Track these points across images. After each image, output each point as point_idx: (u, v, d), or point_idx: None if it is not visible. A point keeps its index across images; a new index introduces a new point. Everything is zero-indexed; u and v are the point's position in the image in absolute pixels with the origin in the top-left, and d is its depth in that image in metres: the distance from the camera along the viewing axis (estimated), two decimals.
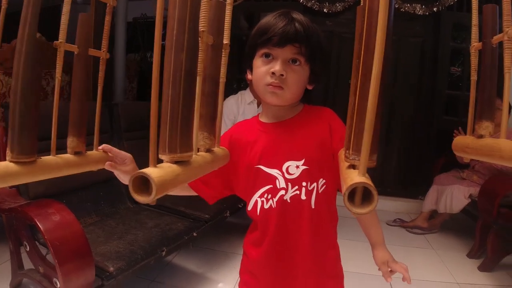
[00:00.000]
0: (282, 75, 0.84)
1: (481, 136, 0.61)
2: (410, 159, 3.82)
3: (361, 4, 0.51)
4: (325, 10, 3.56)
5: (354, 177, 0.45)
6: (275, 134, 0.93)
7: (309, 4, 3.55)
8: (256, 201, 0.93)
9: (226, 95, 2.84)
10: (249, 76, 0.93)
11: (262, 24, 0.87)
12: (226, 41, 0.60)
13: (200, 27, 0.52)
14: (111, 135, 2.47)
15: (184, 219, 2.18)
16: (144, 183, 0.39)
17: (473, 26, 0.67)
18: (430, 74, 3.66)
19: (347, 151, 0.51)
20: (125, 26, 3.39)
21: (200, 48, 0.51)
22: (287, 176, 0.90)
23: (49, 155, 0.63)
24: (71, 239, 1.47)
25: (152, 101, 0.42)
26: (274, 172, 0.91)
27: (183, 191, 0.97)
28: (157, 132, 0.44)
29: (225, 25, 0.60)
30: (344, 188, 0.44)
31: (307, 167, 0.89)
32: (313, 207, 0.90)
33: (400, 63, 3.74)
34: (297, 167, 0.89)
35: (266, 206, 0.92)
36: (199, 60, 0.50)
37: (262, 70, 0.86)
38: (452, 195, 2.94)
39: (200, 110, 0.52)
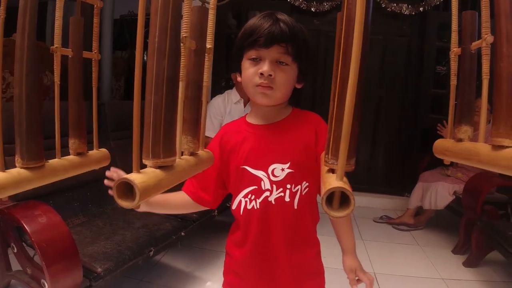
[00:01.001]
0: (270, 75, 0.84)
1: (460, 140, 0.62)
2: (397, 157, 3.87)
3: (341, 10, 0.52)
4: (312, 9, 3.57)
5: (332, 181, 0.46)
6: (262, 136, 0.94)
7: (296, 3, 3.57)
8: (240, 201, 0.94)
9: (215, 94, 2.84)
10: (238, 78, 0.94)
11: (247, 26, 0.88)
12: (209, 45, 0.60)
13: (182, 33, 0.52)
14: (98, 135, 2.45)
15: (172, 218, 2.17)
16: (128, 189, 0.39)
17: (453, 32, 0.68)
18: (416, 73, 3.71)
19: (327, 156, 0.52)
20: (112, 24, 3.35)
21: (182, 53, 0.51)
22: (272, 178, 0.91)
23: (49, 153, 0.65)
24: (58, 240, 1.47)
25: (134, 107, 0.42)
26: (259, 173, 0.92)
27: (178, 209, 1.04)
28: (140, 137, 0.44)
29: (208, 30, 0.60)
30: (322, 192, 0.45)
31: (292, 171, 0.90)
32: (295, 208, 0.91)
33: (387, 62, 3.78)
34: (283, 169, 0.90)
35: (249, 207, 0.93)
36: (181, 65, 0.51)
37: (250, 71, 0.87)
38: (437, 192, 3.00)
39: (183, 114, 0.53)
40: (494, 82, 0.54)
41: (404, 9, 3.51)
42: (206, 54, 0.59)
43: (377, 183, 3.93)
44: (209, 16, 0.63)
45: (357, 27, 0.42)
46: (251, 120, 0.98)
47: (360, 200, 3.75)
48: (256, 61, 0.86)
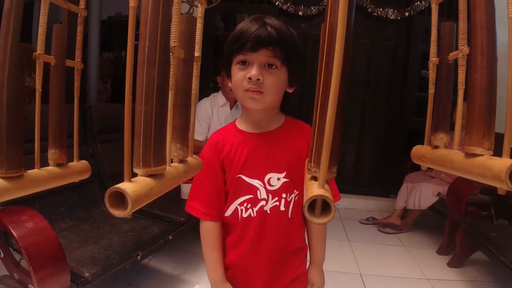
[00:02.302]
0: (258, 79, 0.83)
1: (436, 147, 0.65)
2: (382, 159, 3.92)
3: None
4: (300, 13, 3.61)
5: (314, 189, 0.48)
6: (258, 145, 0.94)
7: (284, 7, 3.60)
8: (237, 208, 0.95)
9: (202, 96, 2.85)
10: (230, 84, 0.93)
11: (236, 31, 0.87)
12: (197, 53, 0.62)
13: (171, 42, 0.54)
14: (84, 138, 2.43)
15: (160, 222, 2.17)
16: (120, 198, 0.41)
17: (431, 42, 0.71)
18: (402, 77, 3.77)
19: (309, 164, 0.54)
20: (99, 25, 3.33)
21: (171, 63, 0.53)
22: (268, 187, 0.92)
23: (29, 157, 0.64)
24: (45, 245, 1.47)
25: (125, 117, 0.44)
26: (255, 182, 0.92)
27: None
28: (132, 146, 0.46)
29: (197, 39, 0.62)
30: (305, 199, 0.47)
31: (287, 180, 0.92)
32: (289, 216, 0.94)
33: (373, 66, 3.84)
34: (278, 179, 0.92)
35: (245, 215, 0.94)
36: (170, 74, 0.52)
37: (239, 76, 0.86)
38: (421, 193, 3.05)
39: (173, 122, 0.54)
40: (468, 92, 0.57)
41: (390, 13, 3.57)
42: (194, 62, 0.61)
43: (363, 184, 3.99)
44: (197, 25, 0.65)
45: (339, 38, 0.44)
46: (242, 127, 0.97)
47: (347, 201, 3.80)
48: (245, 65, 0.85)
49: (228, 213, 0.96)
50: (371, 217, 3.47)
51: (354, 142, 3.97)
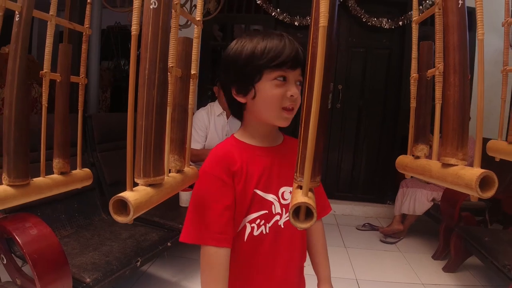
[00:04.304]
0: (292, 96, 0.84)
1: (417, 157, 0.70)
2: (378, 165, 3.97)
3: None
4: (296, 23, 3.67)
5: (299, 197, 0.53)
6: (270, 159, 0.91)
7: (280, 17, 3.67)
8: (245, 227, 0.88)
9: (200, 104, 2.90)
10: (243, 100, 0.87)
11: (268, 48, 0.83)
12: (193, 71, 0.67)
13: (169, 63, 0.59)
14: (84, 147, 2.48)
15: (159, 229, 2.21)
16: (122, 205, 0.46)
17: (412, 59, 0.76)
18: (396, 84, 3.83)
19: (296, 174, 0.58)
20: (100, 35, 3.39)
21: (169, 81, 0.58)
22: (282, 201, 0.90)
23: (35, 166, 0.69)
24: (48, 252, 1.51)
25: (128, 132, 0.48)
26: (270, 197, 0.89)
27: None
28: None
29: (193, 57, 0.67)
30: (290, 206, 0.51)
31: None
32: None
33: (368, 74, 3.91)
34: (291, 192, 0.93)
35: (256, 233, 0.88)
36: (168, 92, 0.57)
37: (277, 93, 0.83)
38: (415, 198, 3.10)
39: (171, 135, 0.59)
40: (443, 108, 0.62)
41: (385, 23, 3.64)
42: (191, 80, 0.66)
43: (359, 191, 4.03)
44: (193, 45, 0.70)
45: (319, 61, 0.49)
46: (248, 141, 0.93)
47: (343, 208, 3.84)
48: (284, 81, 0.84)
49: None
50: (367, 223, 3.51)
51: (350, 149, 4.03)
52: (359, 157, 4.03)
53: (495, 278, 2.41)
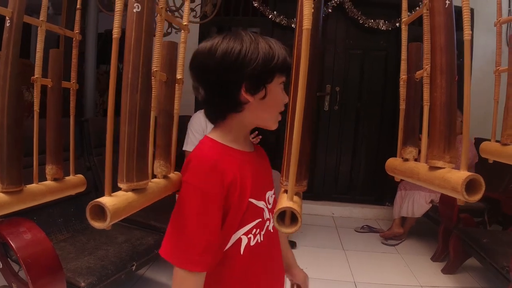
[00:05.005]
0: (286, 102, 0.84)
1: (406, 160, 0.69)
2: (377, 167, 3.96)
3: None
4: (293, 25, 3.67)
5: (283, 201, 0.52)
6: (254, 164, 0.89)
7: (277, 20, 3.67)
8: (240, 240, 0.83)
9: (199, 107, 2.89)
10: (250, 98, 0.80)
11: (278, 53, 0.81)
12: (179, 76, 0.66)
13: (153, 67, 0.59)
14: (80, 152, 2.47)
15: (155, 233, 2.20)
16: (101, 210, 0.45)
17: (402, 61, 0.76)
18: (394, 85, 3.82)
19: (282, 178, 0.58)
20: (96, 39, 3.39)
21: (153, 86, 0.57)
22: (268, 206, 0.90)
23: (27, 171, 0.68)
24: (42, 256, 1.51)
25: (107, 136, 0.48)
26: (261, 204, 0.87)
27: None
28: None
29: (179, 62, 0.66)
30: (274, 210, 0.51)
31: (274, 195, 0.94)
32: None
33: (365, 76, 3.91)
34: (272, 196, 0.93)
35: (252, 243, 0.84)
36: (152, 97, 0.57)
37: (281, 97, 0.83)
38: (414, 200, 3.09)
39: (157, 141, 0.59)
40: (430, 109, 0.61)
41: (381, 24, 3.65)
42: (176, 85, 0.65)
43: (358, 193, 4.02)
44: (180, 49, 0.69)
45: (302, 70, 0.49)
46: (232, 144, 0.86)
47: (342, 210, 3.83)
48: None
49: (228, 245, 0.82)
50: (366, 225, 3.49)
51: (348, 151, 4.02)
52: (358, 159, 4.02)
53: (494, 279, 2.40)
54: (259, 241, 0.86)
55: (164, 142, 0.61)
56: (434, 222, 3.11)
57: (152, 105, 0.56)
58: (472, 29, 3.70)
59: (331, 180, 4.02)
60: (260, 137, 2.50)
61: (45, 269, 1.48)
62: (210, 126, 2.66)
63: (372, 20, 3.65)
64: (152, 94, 0.57)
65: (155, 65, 0.58)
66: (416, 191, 3.10)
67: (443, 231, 2.84)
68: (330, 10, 3.68)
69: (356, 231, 3.45)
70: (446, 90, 0.58)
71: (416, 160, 0.71)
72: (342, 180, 4.03)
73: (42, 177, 0.76)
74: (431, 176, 0.59)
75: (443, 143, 0.58)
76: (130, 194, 0.48)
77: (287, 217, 0.54)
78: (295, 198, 0.56)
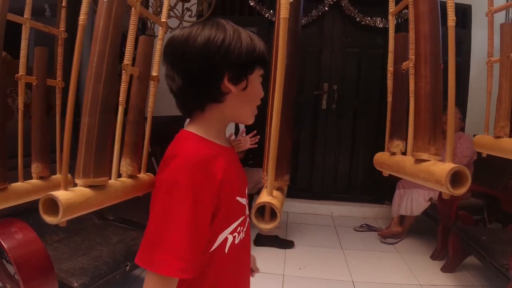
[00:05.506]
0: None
1: (393, 154, 0.67)
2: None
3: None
4: None
5: (263, 196, 0.50)
6: (235, 160, 0.86)
7: (273, 19, 3.64)
8: (226, 239, 0.78)
9: None
10: (233, 89, 0.75)
11: (260, 45, 0.77)
12: (155, 73, 0.64)
13: (124, 61, 0.57)
14: (75, 153, 2.46)
15: None
16: (55, 205, 0.43)
17: (389, 53, 0.73)
18: None
19: (263, 173, 0.56)
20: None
21: (123, 80, 0.55)
22: (247, 201, 0.87)
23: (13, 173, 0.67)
24: (33, 256, 1.50)
25: (66, 128, 0.46)
26: (243, 200, 0.83)
27: None
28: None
29: (155, 59, 0.64)
30: (253, 206, 0.49)
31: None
32: None
33: (363, 73, 3.89)
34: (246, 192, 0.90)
35: (236, 241, 0.81)
36: (121, 90, 0.55)
37: (260, 91, 0.79)
38: (412, 199, 3.06)
39: (125, 137, 0.56)
40: (414, 100, 0.59)
41: (378, 22, 3.62)
42: (151, 82, 0.63)
43: (357, 192, 3.99)
44: (156, 46, 0.67)
45: (280, 61, 0.47)
46: (214, 139, 0.81)
47: (341, 209, 3.80)
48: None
49: (214, 246, 0.77)
50: (365, 224, 3.47)
51: (347, 149, 3.99)
52: (356, 157, 3.99)
53: (494, 278, 2.37)
54: (241, 238, 0.83)
55: (132, 139, 0.58)
56: (433, 220, 3.08)
57: (120, 99, 0.54)
58: (469, 26, 3.68)
59: (330, 179, 4.00)
60: (259, 137, 2.48)
61: (36, 269, 1.48)
62: (227, 133, 2.62)
63: (369, 18, 3.62)
64: (122, 88, 0.55)
65: (127, 59, 0.56)
66: (414, 189, 3.07)
67: (442, 229, 2.81)
68: (326, 8, 3.65)
69: (355, 230, 3.42)
70: (431, 79, 0.56)
71: (404, 153, 0.68)
72: (341, 179, 4.00)
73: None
74: (416, 169, 0.57)
75: (428, 135, 0.56)
76: (87, 190, 0.45)
77: (267, 212, 0.52)
78: (276, 193, 0.54)
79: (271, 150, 0.46)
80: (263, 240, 2.89)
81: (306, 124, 3.96)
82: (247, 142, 2.50)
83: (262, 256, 2.78)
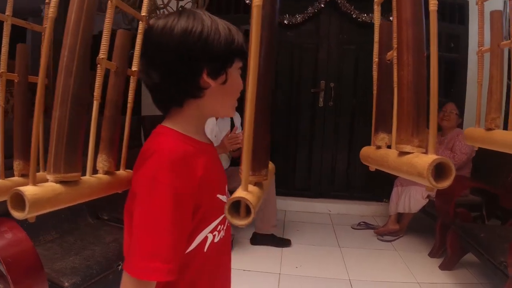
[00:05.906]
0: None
1: (379, 147, 0.65)
2: None
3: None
4: (285, 21, 3.64)
5: (238, 192, 0.48)
6: (215, 157, 0.84)
7: None
8: (206, 238, 0.77)
9: None
10: (213, 83, 0.73)
11: (239, 37, 0.76)
12: (135, 68, 0.62)
13: (100, 55, 0.55)
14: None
15: None
16: (23, 200, 0.41)
17: (375, 43, 0.71)
18: None
19: (240, 168, 0.54)
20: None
21: (98, 74, 0.53)
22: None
23: None
24: (23, 256, 1.49)
25: (34, 122, 0.44)
26: (224, 198, 0.80)
27: None
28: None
29: (135, 53, 0.62)
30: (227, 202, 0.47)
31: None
32: None
33: (360, 71, 3.86)
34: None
35: (216, 240, 0.79)
36: (96, 85, 0.53)
37: (239, 83, 0.78)
38: (410, 196, 3.04)
39: (101, 133, 0.54)
40: (397, 90, 0.57)
41: None
42: (131, 77, 0.61)
43: (355, 190, 3.97)
44: (137, 40, 0.65)
45: (253, 51, 0.45)
46: (195, 136, 0.79)
47: (339, 207, 3.78)
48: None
49: (192, 246, 0.75)
50: (363, 222, 3.45)
51: (344, 147, 3.97)
52: (354, 155, 3.96)
53: (492, 275, 2.35)
54: (222, 236, 0.81)
55: (108, 135, 0.56)
56: (431, 218, 3.06)
57: (95, 94, 0.52)
58: (467, 22, 3.66)
59: (328, 177, 3.98)
60: None
61: (26, 269, 1.47)
62: (223, 130, 2.57)
63: (366, 15, 3.60)
64: (97, 83, 0.53)
65: (102, 53, 0.54)
66: (412, 186, 3.05)
67: (440, 227, 2.79)
68: (322, 5, 3.63)
69: (353, 228, 3.40)
70: (414, 67, 0.54)
71: (389, 147, 0.66)
72: (339, 177, 3.98)
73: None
74: (399, 162, 0.55)
75: (411, 126, 0.54)
76: (58, 186, 0.44)
77: (242, 208, 0.50)
78: (252, 188, 0.52)
79: (244, 143, 0.44)
80: (260, 239, 2.87)
81: (303, 122, 3.94)
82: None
83: (258, 255, 2.78)
